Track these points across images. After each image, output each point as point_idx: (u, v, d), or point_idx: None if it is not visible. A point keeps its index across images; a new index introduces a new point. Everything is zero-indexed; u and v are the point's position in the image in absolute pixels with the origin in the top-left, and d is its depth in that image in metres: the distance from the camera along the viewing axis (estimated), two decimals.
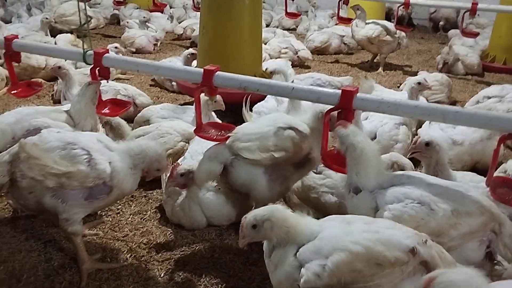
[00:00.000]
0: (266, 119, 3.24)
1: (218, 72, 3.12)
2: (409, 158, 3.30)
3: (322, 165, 3.17)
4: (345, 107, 2.77)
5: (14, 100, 5.69)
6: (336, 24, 9.80)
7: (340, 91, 2.81)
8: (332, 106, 2.81)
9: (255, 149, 2.98)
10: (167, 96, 6.34)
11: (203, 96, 3.43)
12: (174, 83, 6.36)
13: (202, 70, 3.14)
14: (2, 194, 3.68)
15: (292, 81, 4.87)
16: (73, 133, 2.93)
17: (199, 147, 3.56)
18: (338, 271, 1.98)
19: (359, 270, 1.99)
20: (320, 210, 3.25)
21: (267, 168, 3.02)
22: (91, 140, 2.80)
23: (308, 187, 3.30)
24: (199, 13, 9.09)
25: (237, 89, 3.13)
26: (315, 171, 3.31)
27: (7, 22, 9.46)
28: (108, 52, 3.47)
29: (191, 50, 5.96)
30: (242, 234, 2.23)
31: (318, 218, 3.16)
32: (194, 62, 6.04)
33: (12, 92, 3.76)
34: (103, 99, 3.63)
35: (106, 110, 3.59)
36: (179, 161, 3.58)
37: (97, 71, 3.49)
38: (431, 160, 3.10)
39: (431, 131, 4.02)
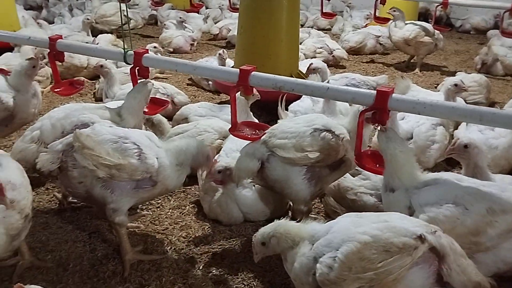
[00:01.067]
0: (304, 119, 3.27)
1: (254, 72, 3.17)
2: (447, 159, 3.29)
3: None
4: (380, 107, 2.76)
5: (58, 98, 5.91)
6: (366, 25, 9.75)
7: (375, 92, 2.79)
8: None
9: (290, 148, 3.02)
10: (204, 95, 6.46)
11: (240, 95, 3.51)
12: (210, 83, 6.48)
13: (238, 70, 3.21)
14: (50, 186, 3.87)
15: (328, 81, 4.90)
16: (124, 128, 3.06)
17: (234, 145, 3.64)
18: (348, 261, 2.06)
19: (368, 258, 2.05)
20: (357, 211, 3.25)
21: (302, 167, 3.05)
22: (140, 136, 2.94)
23: (345, 188, 3.31)
24: (234, 13, 9.32)
25: (272, 89, 3.18)
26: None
27: (50, 22, 9.79)
28: (148, 52, 3.57)
29: (220, 51, 6.12)
30: (254, 251, 2.44)
31: None
32: (228, 61, 6.19)
33: (55, 90, 3.93)
34: None
35: (145, 109, 3.72)
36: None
37: (136, 71, 3.61)
38: (470, 162, 3.09)
39: (469, 133, 3.97)
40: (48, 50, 3.80)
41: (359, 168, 3.33)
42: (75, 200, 3.57)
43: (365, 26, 9.77)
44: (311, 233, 2.29)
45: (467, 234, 2.37)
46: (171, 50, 8.64)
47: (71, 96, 5.53)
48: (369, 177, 3.28)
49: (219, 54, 6.11)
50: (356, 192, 3.28)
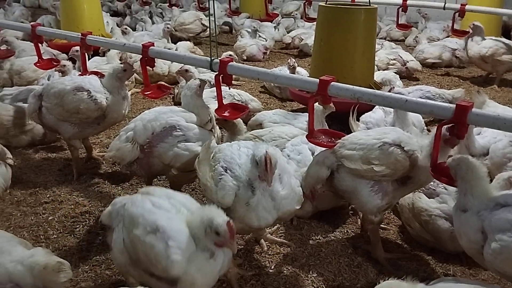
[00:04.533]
0: (377, 131, 3.29)
1: (333, 82, 3.26)
2: None
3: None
4: (459, 121, 2.75)
5: (140, 101, 6.31)
6: (448, 37, 9.54)
7: (454, 105, 2.79)
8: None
9: (357, 159, 3.04)
10: (275, 103, 6.63)
11: (317, 105, 3.62)
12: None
13: (318, 80, 3.32)
14: (134, 182, 4.17)
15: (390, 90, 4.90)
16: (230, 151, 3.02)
17: (299, 140, 3.83)
18: None
19: None
20: (430, 232, 3.27)
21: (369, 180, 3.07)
22: (237, 163, 2.87)
23: (419, 209, 3.30)
24: (307, 23, 9.44)
25: (350, 99, 3.26)
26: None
27: (132, 29, 10.35)
28: (232, 61, 3.78)
29: (289, 60, 6.34)
30: None
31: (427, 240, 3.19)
32: (299, 69, 6.37)
33: (145, 93, 4.24)
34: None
35: (226, 113, 3.93)
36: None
37: (220, 78, 3.83)
38: None
39: None
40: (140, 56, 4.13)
41: (437, 190, 3.34)
42: None
43: (447, 37, 9.52)
44: None
45: None
46: (245, 58, 8.90)
47: (153, 100, 5.94)
48: (447, 201, 3.23)
49: (288, 62, 6.27)
50: (431, 215, 3.23)
